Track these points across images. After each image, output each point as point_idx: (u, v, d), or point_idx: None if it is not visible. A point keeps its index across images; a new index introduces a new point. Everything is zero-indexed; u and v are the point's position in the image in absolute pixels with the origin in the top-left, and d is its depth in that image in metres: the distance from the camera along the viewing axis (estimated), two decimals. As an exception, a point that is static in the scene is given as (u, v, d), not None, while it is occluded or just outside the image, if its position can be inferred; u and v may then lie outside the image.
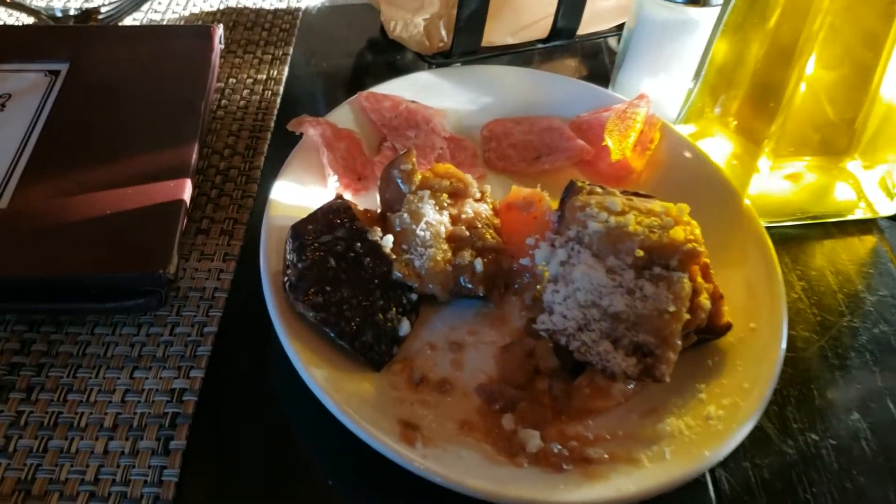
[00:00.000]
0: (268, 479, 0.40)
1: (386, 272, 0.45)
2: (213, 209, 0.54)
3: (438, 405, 0.42)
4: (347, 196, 0.50)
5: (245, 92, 0.64)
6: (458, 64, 0.66)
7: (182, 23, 0.73)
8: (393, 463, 0.37)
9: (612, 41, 0.73)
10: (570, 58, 0.71)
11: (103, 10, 0.69)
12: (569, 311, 0.41)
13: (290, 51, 0.69)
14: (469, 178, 0.49)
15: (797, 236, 0.55)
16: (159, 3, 0.75)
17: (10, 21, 0.71)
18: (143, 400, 0.42)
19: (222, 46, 0.61)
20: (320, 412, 0.39)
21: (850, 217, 0.56)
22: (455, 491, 0.36)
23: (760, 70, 0.52)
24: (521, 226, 0.48)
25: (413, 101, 0.57)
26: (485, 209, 0.49)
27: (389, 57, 0.70)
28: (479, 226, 0.47)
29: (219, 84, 0.65)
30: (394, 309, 0.44)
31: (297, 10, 0.75)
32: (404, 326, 0.44)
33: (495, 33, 0.67)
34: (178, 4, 0.75)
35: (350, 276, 0.44)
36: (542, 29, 0.68)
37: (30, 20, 0.69)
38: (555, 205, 0.48)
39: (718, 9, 0.54)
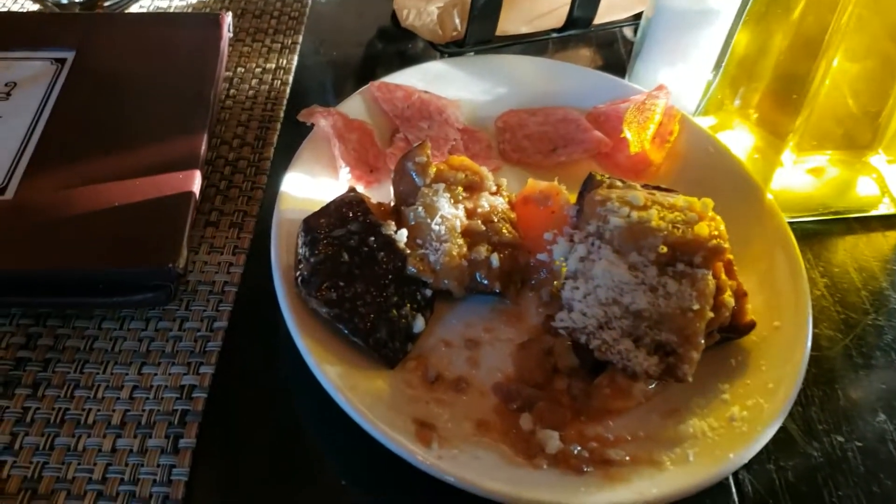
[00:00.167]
0: (279, 479, 0.39)
1: (400, 267, 0.43)
2: (223, 201, 0.53)
3: (454, 404, 0.41)
4: (359, 188, 0.49)
5: (254, 81, 0.63)
6: (472, 53, 0.65)
7: (190, 10, 0.71)
8: (407, 463, 0.36)
9: (627, 31, 0.72)
10: (584, 48, 0.70)
11: (110, -3, 0.68)
12: (589, 308, 0.40)
13: (300, 39, 0.68)
14: (485, 170, 0.48)
15: (819, 232, 0.53)
16: (166, -9, 0.73)
17: (16, 8, 0.70)
18: (151, 396, 0.41)
19: (231, 35, 0.60)
20: (332, 410, 0.38)
21: (873, 212, 0.55)
22: (472, 493, 0.35)
23: (784, 62, 0.51)
24: (538, 220, 0.47)
25: (426, 92, 0.56)
26: (501, 203, 0.48)
27: (401, 46, 0.68)
28: (496, 220, 0.46)
29: (227, 73, 0.63)
30: (408, 305, 0.43)
31: (307, -3, 0.74)
32: (419, 323, 0.43)
33: (510, 22, 0.65)
34: (185, -8, 0.74)
35: (364, 271, 0.43)
36: (557, 18, 0.67)
37: (35, 7, 0.68)
38: (573, 198, 0.47)
39: (741, -2, 0.52)
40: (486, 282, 0.44)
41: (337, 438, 0.40)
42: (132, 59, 0.56)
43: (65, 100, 0.52)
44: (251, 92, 0.62)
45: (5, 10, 0.69)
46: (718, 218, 0.42)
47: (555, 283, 0.45)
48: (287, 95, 0.62)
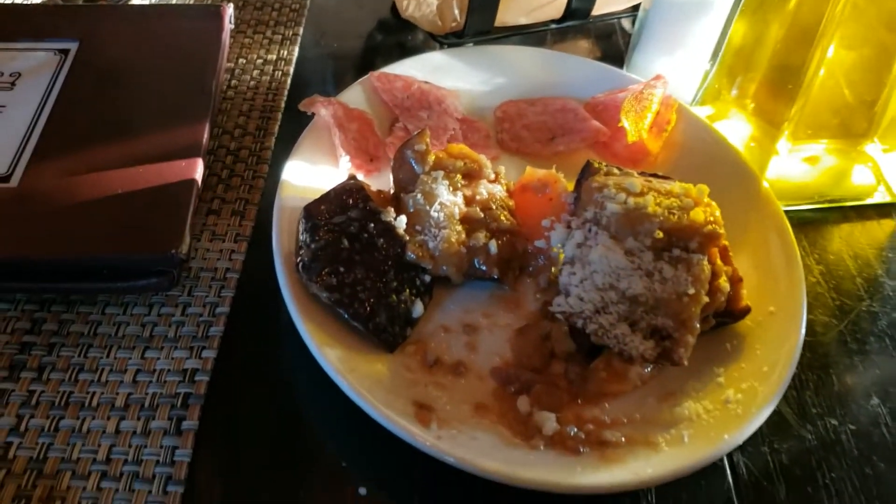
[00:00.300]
0: (280, 460, 0.40)
1: (399, 253, 0.44)
2: (224, 189, 0.53)
3: (453, 387, 0.41)
4: (359, 177, 0.50)
5: (255, 72, 0.64)
6: (471, 44, 0.65)
7: (192, 2, 0.72)
8: (406, 445, 0.37)
9: (625, 22, 0.72)
10: (583, 39, 0.70)
11: (112, -12, 0.68)
12: (586, 293, 0.41)
13: (301, 31, 0.69)
14: (483, 158, 0.49)
15: (815, 220, 0.54)
16: (168, -17, 0.74)
17: (20, 0, 0.70)
18: (154, 380, 0.42)
19: (232, 26, 0.61)
20: (333, 393, 0.38)
21: (868, 201, 0.55)
22: (470, 473, 0.36)
23: (780, 51, 0.51)
24: (536, 207, 0.48)
25: (425, 82, 0.57)
26: (499, 190, 0.48)
27: (400, 37, 0.69)
28: (494, 207, 0.47)
29: (229, 64, 0.64)
30: (407, 290, 0.44)
31: (307, -11, 0.74)
32: (418, 308, 0.43)
33: (508, 13, 0.66)
34: (187, -16, 0.74)
35: (363, 256, 0.43)
36: (555, 9, 0.68)
37: (38, -1, 0.69)
38: (570, 186, 0.48)
39: (737, -11, 0.53)
40: (484, 268, 0.45)
41: (337, 421, 0.41)
42: (135, 50, 0.57)
43: (68, 90, 0.53)
44: (252, 82, 0.62)
45: (10, 1, 0.70)
46: (714, 204, 0.42)
47: (552, 269, 0.45)
48: (288, 86, 0.62)
